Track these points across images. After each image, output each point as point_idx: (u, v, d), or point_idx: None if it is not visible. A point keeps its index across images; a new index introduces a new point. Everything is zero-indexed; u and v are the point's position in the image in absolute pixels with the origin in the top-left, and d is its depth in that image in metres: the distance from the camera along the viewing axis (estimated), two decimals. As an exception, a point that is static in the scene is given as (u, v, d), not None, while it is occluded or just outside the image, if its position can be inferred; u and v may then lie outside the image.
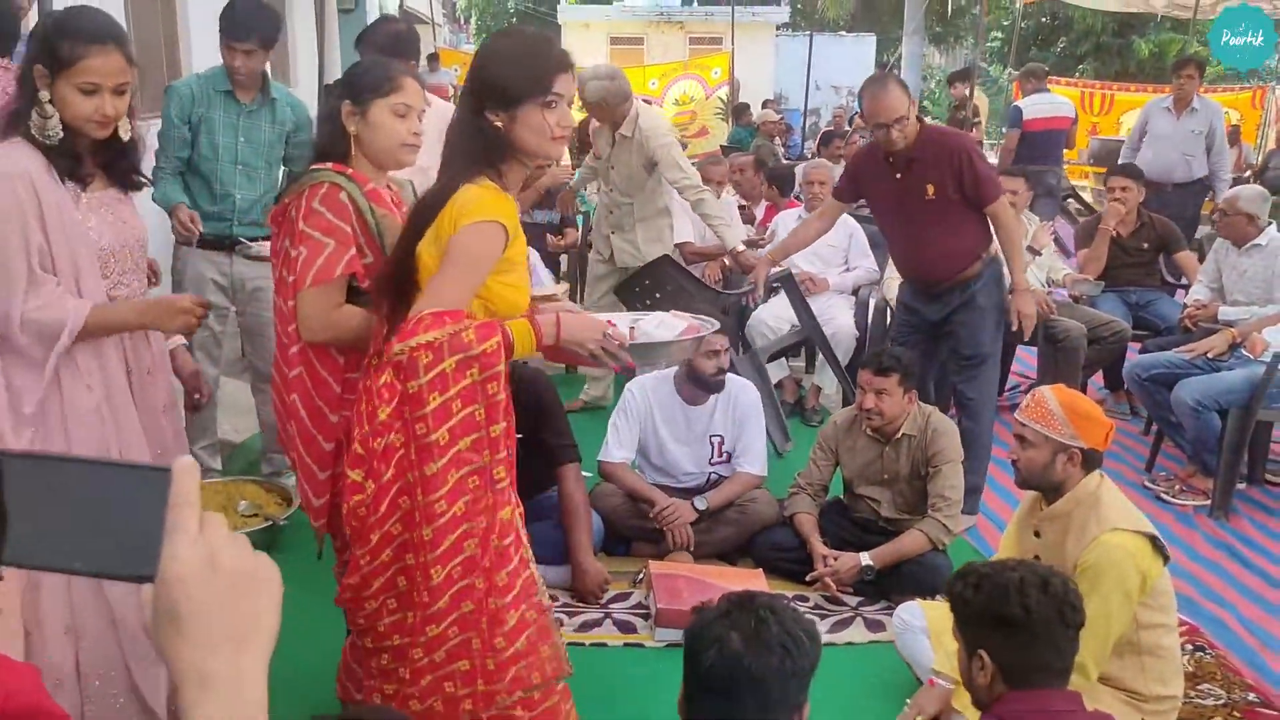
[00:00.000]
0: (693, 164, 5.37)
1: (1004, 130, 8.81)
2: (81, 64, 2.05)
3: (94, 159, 2.19)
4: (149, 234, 2.39)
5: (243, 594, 0.73)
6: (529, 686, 2.10)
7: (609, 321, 2.17)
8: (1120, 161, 6.98)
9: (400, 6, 14.94)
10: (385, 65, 2.38)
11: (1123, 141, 14.87)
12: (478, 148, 2.04)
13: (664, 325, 2.26)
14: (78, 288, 2.12)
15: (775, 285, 5.50)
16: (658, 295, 4.41)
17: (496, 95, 2.01)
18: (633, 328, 2.25)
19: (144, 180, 2.34)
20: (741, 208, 6.27)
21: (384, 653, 2.12)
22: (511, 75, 2.01)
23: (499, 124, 2.01)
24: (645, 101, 14.93)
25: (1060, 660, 2.00)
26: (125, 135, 2.20)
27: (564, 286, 2.57)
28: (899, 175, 3.85)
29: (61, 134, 2.08)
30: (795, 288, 4.98)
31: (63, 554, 0.70)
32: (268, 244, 2.88)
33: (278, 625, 0.75)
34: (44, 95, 2.06)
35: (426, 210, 2.03)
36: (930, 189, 3.81)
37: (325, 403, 2.25)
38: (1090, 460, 2.61)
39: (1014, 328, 3.92)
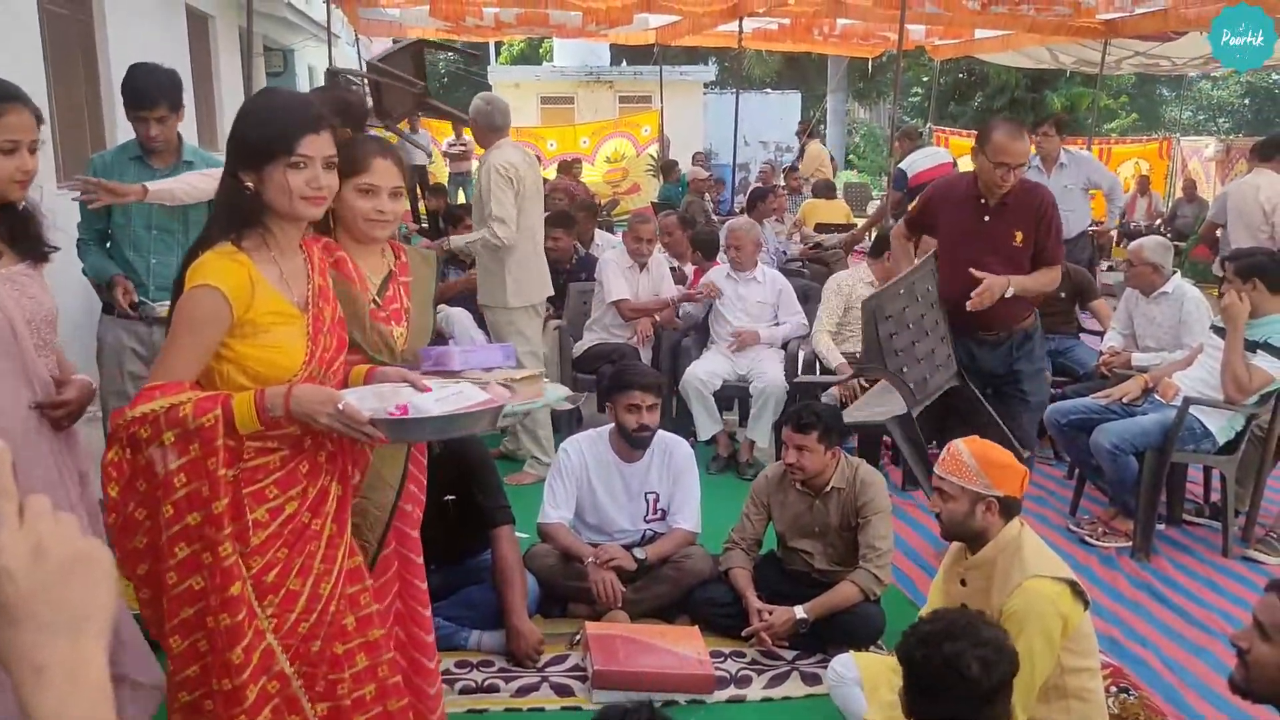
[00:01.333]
0: (621, 221, 5.44)
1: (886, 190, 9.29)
2: (1, 123, 2.08)
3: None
4: (69, 303, 2.37)
5: (73, 580, 0.72)
6: None
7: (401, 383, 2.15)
8: None
9: (328, 68, 14.97)
10: (356, 147, 2.41)
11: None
12: (230, 210, 2.05)
13: (459, 395, 2.14)
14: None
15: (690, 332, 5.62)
16: None
17: (244, 156, 2.02)
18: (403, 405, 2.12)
19: (49, 250, 2.32)
20: (672, 268, 6.35)
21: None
22: (257, 136, 2.01)
23: (249, 184, 2.01)
24: (575, 160, 15.10)
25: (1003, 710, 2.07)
26: (21, 203, 2.20)
27: (539, 370, 2.56)
28: (988, 218, 3.88)
29: None
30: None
31: None
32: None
33: (113, 608, 0.74)
34: None
35: (179, 282, 2.03)
36: (1019, 235, 3.88)
37: None
38: (1008, 508, 2.68)
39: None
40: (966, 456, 2.72)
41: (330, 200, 2.09)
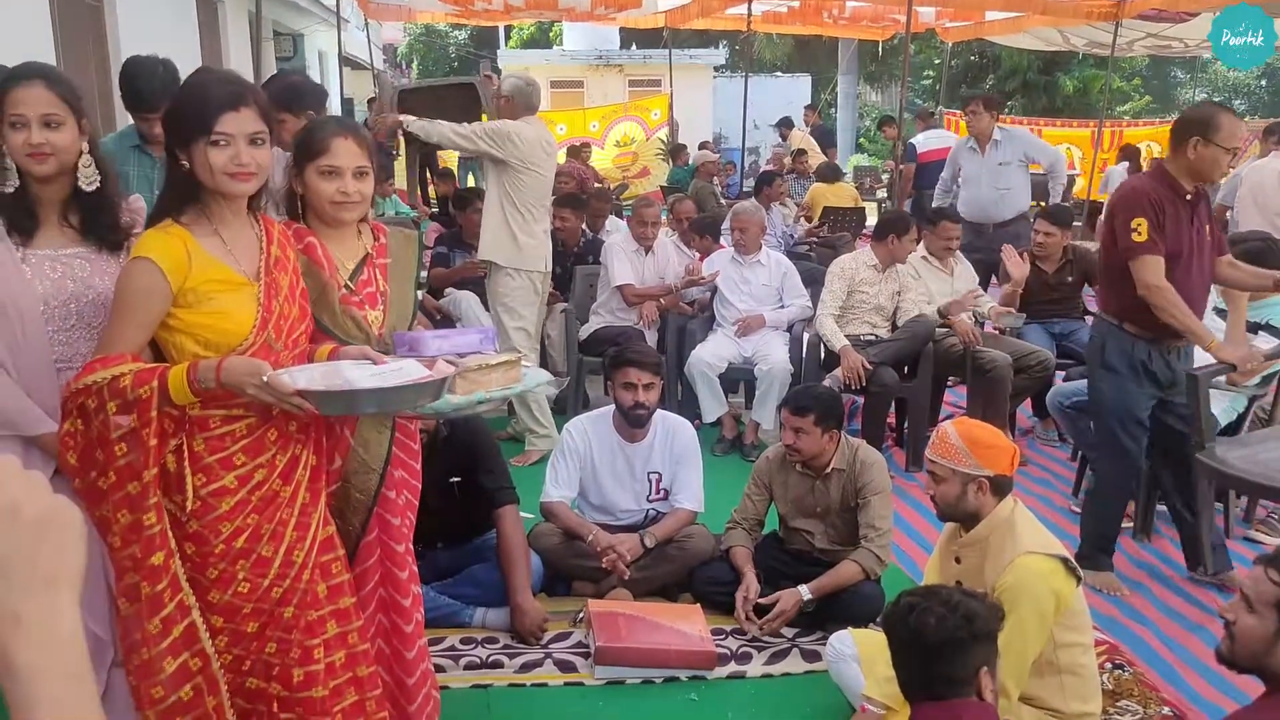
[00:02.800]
0: (629, 204, 5.50)
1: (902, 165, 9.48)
2: (8, 99, 2.15)
3: (66, 213, 2.23)
4: None
5: (48, 536, 0.76)
6: None
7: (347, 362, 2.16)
8: (934, 204, 7.21)
9: (339, 54, 14.99)
10: (315, 129, 2.45)
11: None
12: (169, 186, 2.12)
13: (399, 371, 2.13)
14: (27, 340, 2.16)
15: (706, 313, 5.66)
16: None
17: (173, 135, 2.08)
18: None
19: (118, 239, 2.35)
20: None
21: None
22: (179, 115, 2.08)
23: (184, 162, 2.07)
24: (585, 144, 15.09)
25: (959, 670, 2.10)
26: (87, 186, 2.23)
27: (516, 355, 2.51)
28: (1192, 213, 3.66)
29: (17, 181, 2.14)
30: None
31: None
32: None
33: (84, 562, 0.79)
34: None
35: None
36: (1209, 230, 3.71)
37: None
38: (999, 486, 2.72)
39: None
40: (954, 438, 2.75)
41: (261, 176, 2.11)
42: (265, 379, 1.95)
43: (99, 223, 2.26)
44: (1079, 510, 4.60)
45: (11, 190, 2.16)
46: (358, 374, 2.07)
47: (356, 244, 2.48)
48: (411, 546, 2.61)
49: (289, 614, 2.14)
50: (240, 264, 2.12)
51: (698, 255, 6.20)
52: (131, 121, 3.72)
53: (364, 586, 2.48)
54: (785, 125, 14.24)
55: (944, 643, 2.08)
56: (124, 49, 8.40)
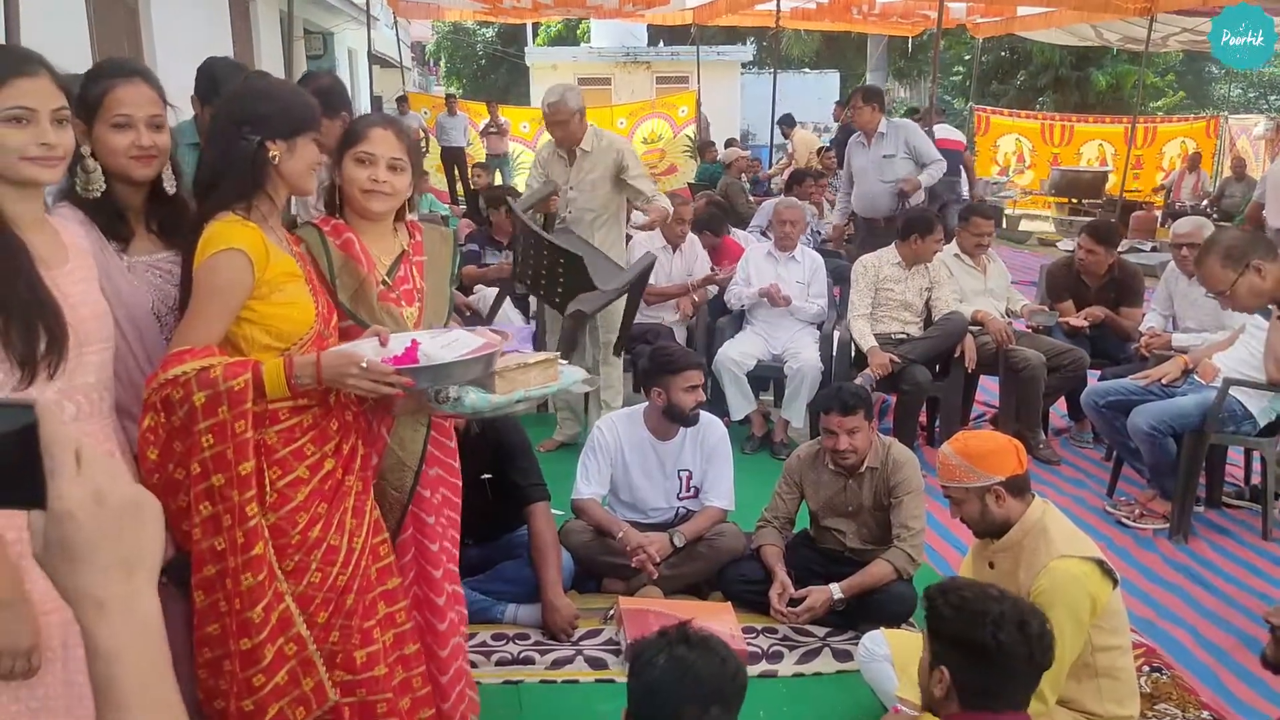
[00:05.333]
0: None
1: None
2: (109, 97, 2.08)
3: (147, 218, 2.20)
4: None
5: (129, 523, 0.79)
6: None
7: (387, 341, 2.18)
8: (838, 205, 7.22)
9: (369, 52, 15.08)
10: (358, 120, 2.48)
11: (1081, 172, 15.26)
12: (239, 176, 2.11)
13: (455, 344, 2.16)
14: (142, 347, 2.13)
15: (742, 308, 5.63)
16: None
17: (272, 127, 2.11)
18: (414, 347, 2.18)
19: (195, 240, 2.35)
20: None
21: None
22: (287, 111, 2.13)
23: (274, 154, 2.10)
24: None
25: (1019, 693, 2.08)
26: (170, 188, 2.20)
27: (553, 354, 2.49)
28: None
29: (104, 187, 2.09)
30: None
31: None
32: None
33: (161, 548, 0.82)
34: (85, 149, 2.06)
35: (189, 249, 2.09)
36: None
37: None
38: (1015, 487, 2.68)
39: None
40: (953, 458, 2.72)
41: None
42: (365, 365, 1.98)
43: (179, 225, 2.22)
44: (1113, 511, 4.56)
45: (98, 195, 2.09)
46: (430, 347, 2.11)
47: (393, 241, 2.48)
48: (449, 545, 2.62)
49: (350, 601, 2.18)
50: (294, 255, 2.18)
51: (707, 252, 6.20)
52: (185, 119, 3.74)
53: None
54: (787, 124, 14.16)
55: (1047, 650, 2.08)
56: (158, 47, 8.50)
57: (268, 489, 2.06)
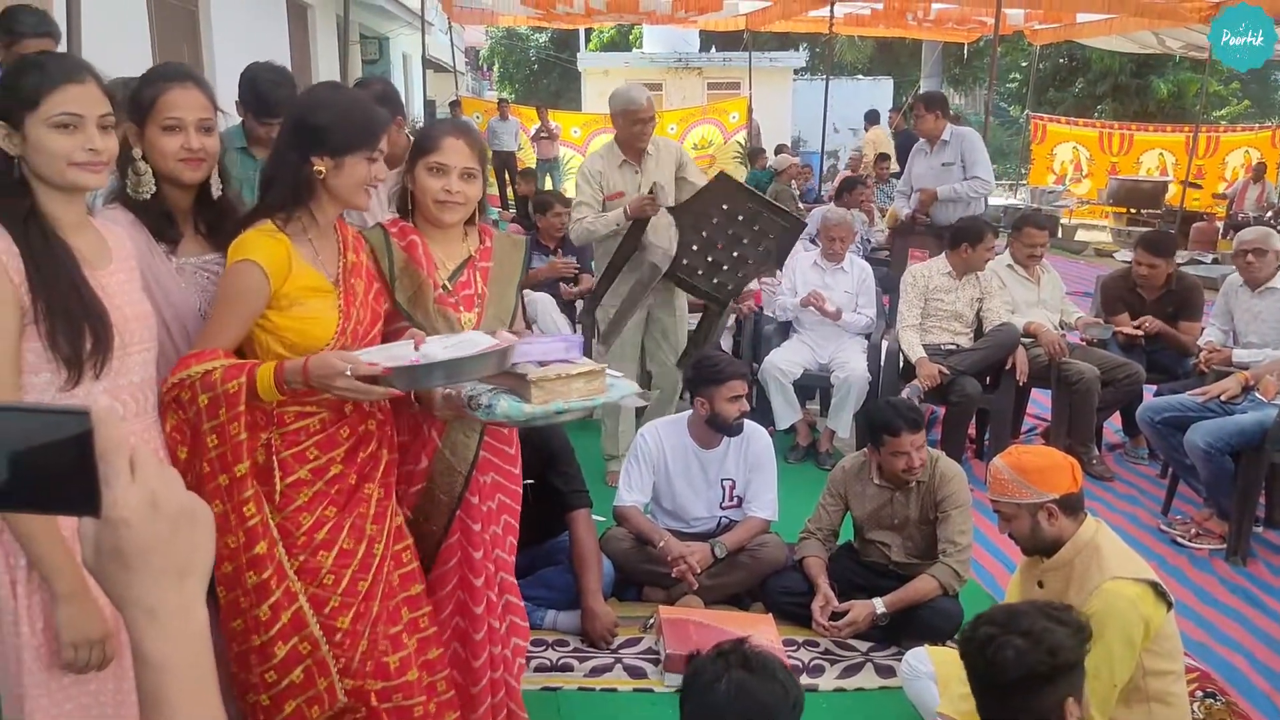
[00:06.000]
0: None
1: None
2: (161, 101, 2.11)
3: (195, 220, 2.23)
4: None
5: (181, 531, 0.78)
6: None
7: (396, 344, 2.18)
8: (904, 211, 6.79)
9: (423, 56, 15.24)
10: (431, 127, 2.50)
11: (1140, 181, 14.96)
12: (286, 189, 2.14)
13: (460, 345, 2.13)
14: (189, 348, 2.16)
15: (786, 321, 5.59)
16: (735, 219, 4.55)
17: (322, 142, 2.11)
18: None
19: None
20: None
21: None
22: (346, 124, 2.12)
23: (320, 169, 2.11)
24: (663, 146, 15.05)
25: (1042, 705, 2.01)
26: (217, 191, 2.23)
27: (600, 365, 2.41)
28: None
29: (154, 189, 2.12)
30: None
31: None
32: None
33: (212, 557, 0.82)
34: (136, 152, 2.11)
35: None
36: None
37: None
38: (1069, 505, 2.61)
39: None
40: (1006, 472, 2.65)
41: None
42: (349, 370, 1.98)
43: (225, 228, 2.25)
44: (1168, 530, 4.45)
45: (148, 198, 2.13)
46: (430, 348, 2.09)
47: (461, 246, 2.50)
48: (503, 555, 2.61)
49: (375, 608, 2.19)
50: (326, 270, 2.18)
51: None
52: (233, 124, 3.80)
53: (443, 588, 2.50)
54: (871, 120, 13.97)
55: (1025, 677, 1.97)
56: (217, 51, 8.66)
57: (277, 488, 2.09)
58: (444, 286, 2.43)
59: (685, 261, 4.62)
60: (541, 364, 2.28)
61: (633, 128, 4.68)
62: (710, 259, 4.64)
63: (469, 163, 2.40)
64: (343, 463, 2.17)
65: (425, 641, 2.36)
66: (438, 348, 2.09)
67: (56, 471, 0.75)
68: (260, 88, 3.53)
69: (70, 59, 1.92)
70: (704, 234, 4.61)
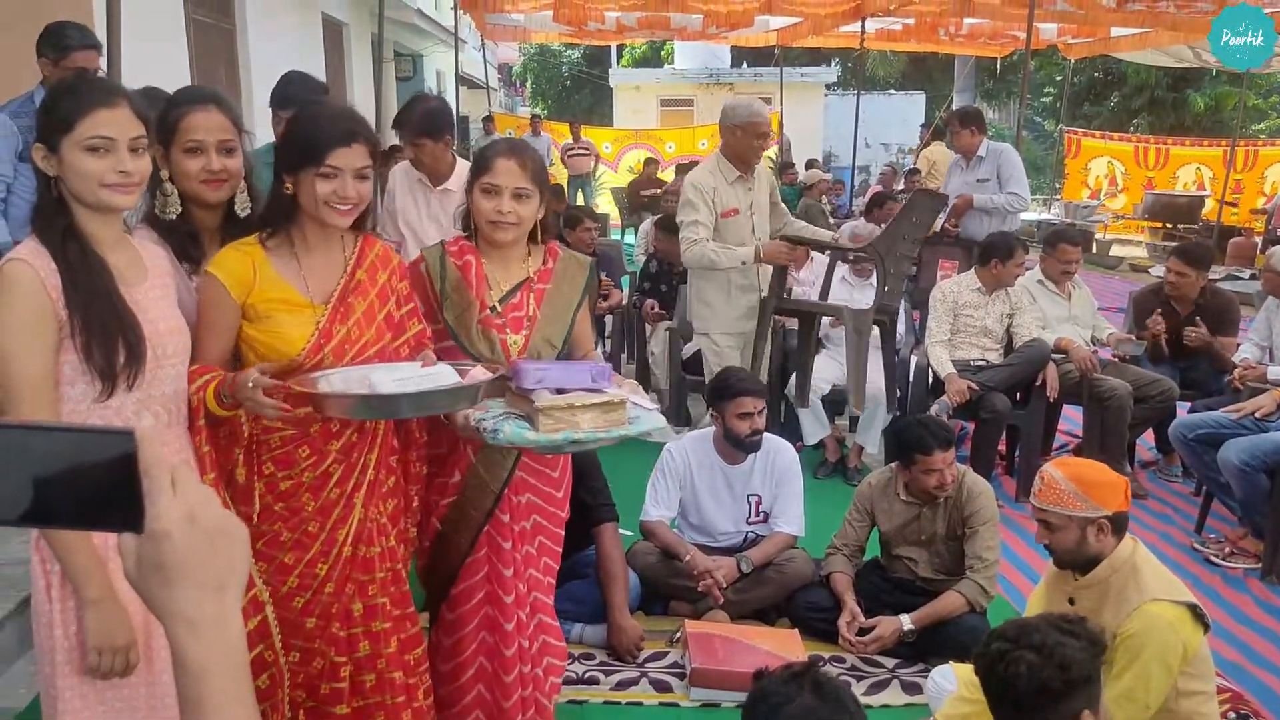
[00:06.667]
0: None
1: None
2: (183, 124, 2.17)
3: (222, 239, 2.26)
4: None
5: (219, 545, 0.82)
6: None
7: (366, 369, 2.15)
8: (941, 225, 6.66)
9: (457, 73, 15.38)
10: (487, 147, 2.52)
11: (1176, 196, 14.78)
12: (268, 207, 2.18)
13: (410, 379, 2.08)
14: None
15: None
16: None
17: (284, 160, 2.14)
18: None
19: None
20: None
21: None
22: (293, 142, 2.14)
23: (288, 186, 2.13)
24: (694, 162, 15.16)
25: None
26: (242, 211, 2.28)
27: (631, 383, 2.39)
28: None
29: (180, 209, 2.18)
30: None
31: (40, 510, 0.79)
32: None
33: (248, 571, 0.85)
34: (164, 174, 2.16)
35: None
36: None
37: None
38: (1119, 524, 2.59)
39: None
40: (1062, 482, 2.59)
41: (360, 208, 2.15)
42: (252, 384, 1.97)
43: None
44: (1202, 548, 4.39)
45: (174, 218, 2.19)
46: (380, 380, 2.06)
47: (520, 266, 2.50)
48: (538, 574, 2.61)
49: (310, 624, 2.20)
50: (310, 287, 2.16)
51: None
52: (263, 142, 3.88)
53: (468, 602, 2.50)
54: (937, 135, 13.79)
55: (1038, 692, 1.95)
56: (254, 68, 8.80)
57: (255, 506, 2.14)
58: (493, 308, 2.43)
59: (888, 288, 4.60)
60: (561, 391, 2.24)
61: (754, 141, 4.51)
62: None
63: (521, 183, 2.39)
64: (294, 479, 2.16)
65: (387, 683, 2.29)
66: (385, 378, 2.06)
67: (102, 489, 0.78)
68: (278, 86, 3.63)
69: (104, 83, 1.98)
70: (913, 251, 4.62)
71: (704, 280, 4.62)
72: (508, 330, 2.44)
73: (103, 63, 4.00)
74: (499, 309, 2.44)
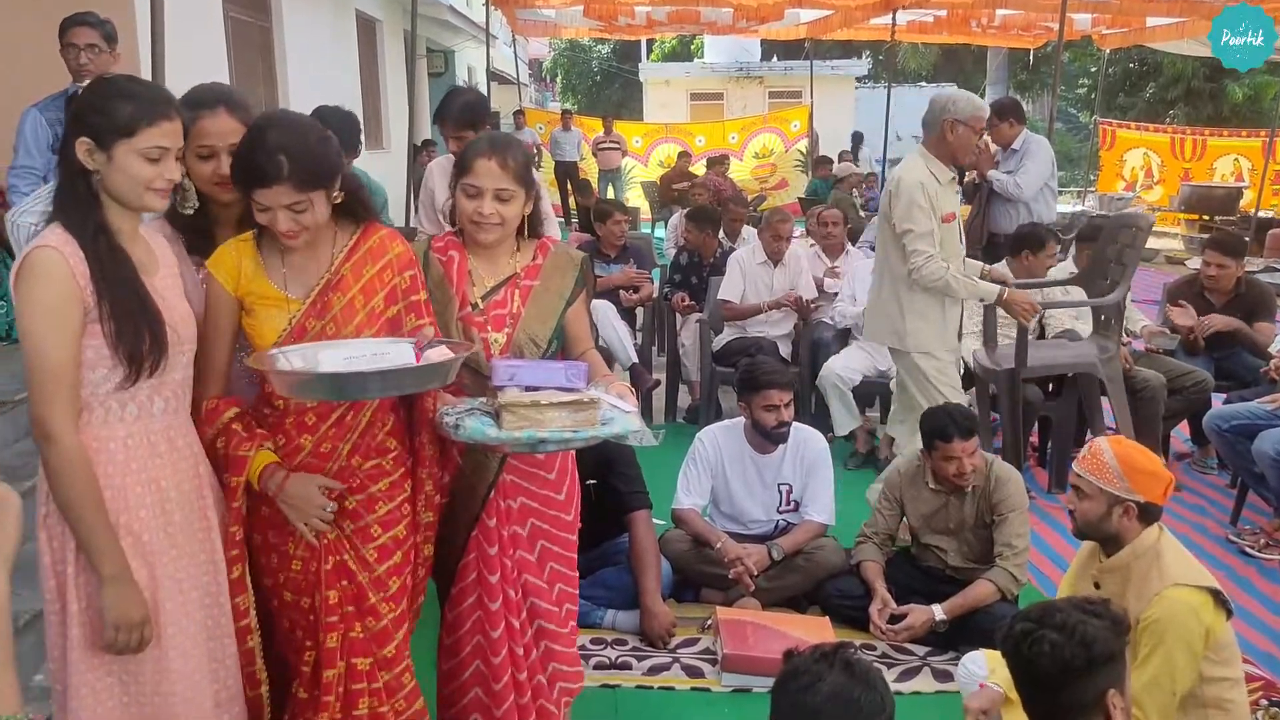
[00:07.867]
0: (764, 217, 5.51)
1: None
2: (194, 128, 2.21)
3: (242, 232, 2.30)
4: None
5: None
6: None
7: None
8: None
9: (488, 69, 15.47)
10: (468, 146, 2.47)
11: (1213, 187, 14.57)
12: None
13: (359, 359, 2.04)
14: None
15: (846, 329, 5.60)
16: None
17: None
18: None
19: None
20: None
21: None
22: (238, 165, 2.12)
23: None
24: (723, 155, 15.09)
25: (1082, 699, 2.01)
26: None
27: (622, 385, 2.33)
28: None
29: (197, 204, 2.25)
30: None
31: None
32: None
33: (17, 540, 0.92)
34: (181, 171, 2.19)
35: None
36: None
37: None
38: (1148, 513, 2.60)
39: None
40: (1109, 456, 2.61)
41: (311, 234, 2.13)
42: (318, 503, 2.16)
43: None
44: (1237, 540, 4.37)
45: (191, 211, 2.25)
46: (330, 358, 2.05)
47: (506, 263, 2.47)
48: (535, 580, 2.53)
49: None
50: (288, 283, 2.16)
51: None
52: None
53: (461, 604, 2.49)
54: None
55: (1062, 671, 1.97)
56: (290, 66, 8.92)
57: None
58: (474, 305, 2.41)
59: None
60: (531, 389, 2.20)
61: (974, 139, 4.19)
62: None
63: (503, 184, 2.35)
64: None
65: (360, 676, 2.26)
66: (334, 358, 2.04)
67: None
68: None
69: (162, 93, 2.04)
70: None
71: (916, 292, 4.10)
72: (490, 328, 2.41)
73: (143, 57, 4.09)
74: (480, 306, 2.41)
